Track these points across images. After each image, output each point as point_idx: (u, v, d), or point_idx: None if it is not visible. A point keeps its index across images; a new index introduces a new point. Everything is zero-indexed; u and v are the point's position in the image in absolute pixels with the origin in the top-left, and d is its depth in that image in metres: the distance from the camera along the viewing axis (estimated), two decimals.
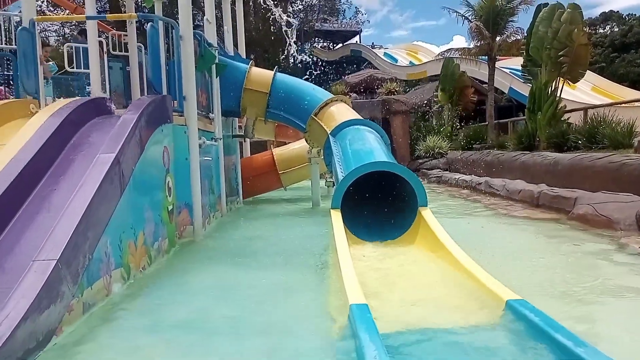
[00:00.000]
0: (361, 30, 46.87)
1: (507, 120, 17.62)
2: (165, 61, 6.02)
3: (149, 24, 5.52)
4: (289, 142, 12.16)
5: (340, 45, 47.12)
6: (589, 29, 42.60)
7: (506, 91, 23.46)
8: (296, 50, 43.15)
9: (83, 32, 8.21)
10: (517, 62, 21.38)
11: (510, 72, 22.64)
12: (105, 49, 7.97)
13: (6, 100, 5.35)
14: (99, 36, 7.67)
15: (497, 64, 18.95)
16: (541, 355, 2.65)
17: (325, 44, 48.51)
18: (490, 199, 9.77)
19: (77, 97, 5.57)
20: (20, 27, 5.60)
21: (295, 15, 40.04)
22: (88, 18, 6.29)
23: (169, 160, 5.56)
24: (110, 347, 3.05)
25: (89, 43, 7.10)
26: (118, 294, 3.86)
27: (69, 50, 8.03)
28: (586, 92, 23.31)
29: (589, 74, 24.86)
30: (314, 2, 39.90)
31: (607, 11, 46.39)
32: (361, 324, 2.81)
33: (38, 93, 5.71)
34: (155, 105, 5.15)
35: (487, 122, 16.44)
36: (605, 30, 45.42)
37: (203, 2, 8.36)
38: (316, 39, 45.95)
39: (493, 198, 9.76)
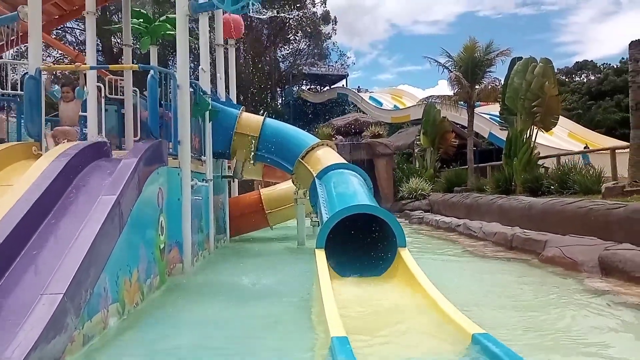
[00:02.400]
0: (348, 75, 48.42)
1: (486, 164, 18.29)
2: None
3: (150, 74, 5.95)
4: (276, 183, 12.55)
5: (327, 88, 48.45)
6: (565, 77, 44.59)
7: (486, 136, 24.39)
8: (284, 91, 44.31)
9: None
10: (496, 109, 22.39)
11: (490, 117, 23.62)
12: (103, 94, 8.38)
13: (11, 143, 5.66)
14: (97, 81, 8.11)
15: (477, 110, 19.85)
16: None
17: (312, 86, 49.81)
18: (468, 240, 10.18)
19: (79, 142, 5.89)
20: (27, 75, 5.99)
21: (284, 59, 41.35)
22: (92, 68, 6.73)
23: (162, 201, 5.89)
24: None
25: (89, 89, 7.54)
26: (114, 328, 4.10)
27: None
28: (563, 138, 24.35)
29: (565, 121, 26.07)
30: (302, 46, 41.31)
31: (581, 60, 48.60)
32: (341, 355, 3.11)
33: (40, 136, 6.05)
34: (152, 149, 5.52)
35: (467, 166, 17.09)
36: (581, 78, 47.50)
37: (197, 51, 8.87)
38: (304, 81, 47.19)
39: (471, 239, 10.18)
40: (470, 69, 16.11)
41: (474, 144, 18.32)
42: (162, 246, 5.77)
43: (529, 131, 12.12)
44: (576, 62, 46.18)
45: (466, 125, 18.18)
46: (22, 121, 6.39)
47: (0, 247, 3.67)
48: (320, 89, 48.91)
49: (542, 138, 14.75)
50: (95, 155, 5.51)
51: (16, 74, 8.69)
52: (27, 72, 6.21)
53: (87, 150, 5.34)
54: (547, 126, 12.23)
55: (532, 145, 12.04)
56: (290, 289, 5.69)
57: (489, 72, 16.44)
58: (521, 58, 12.93)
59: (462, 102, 17.57)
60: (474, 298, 5.11)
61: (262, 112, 31.07)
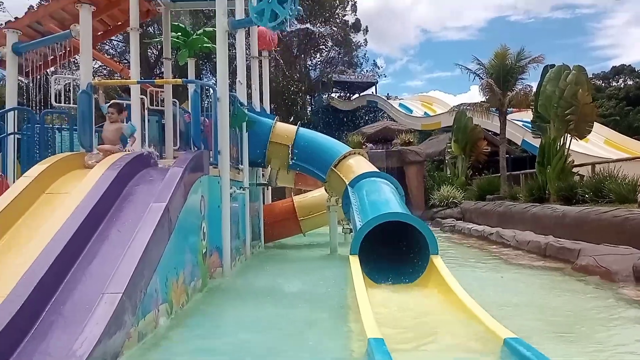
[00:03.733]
0: (377, 82, 48.47)
1: (519, 172, 18.09)
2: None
3: (193, 89, 6.31)
4: (308, 190, 12.81)
5: (356, 95, 48.63)
6: (601, 82, 43.48)
7: (519, 143, 24.06)
8: (314, 99, 44.64)
9: (127, 91, 9.12)
10: (529, 115, 22.10)
11: (522, 124, 23.31)
12: (145, 105, 8.84)
13: (65, 154, 6.07)
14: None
15: (510, 117, 19.64)
16: None
17: (342, 94, 50.05)
18: (500, 248, 10.17)
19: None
20: (80, 91, 6.43)
21: (314, 67, 41.76)
22: (139, 82, 7.15)
23: (205, 208, 6.21)
24: None
25: (132, 101, 7.99)
26: (163, 327, 4.40)
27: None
28: (599, 145, 23.80)
29: (601, 128, 25.49)
30: (332, 55, 41.64)
31: (618, 65, 47.35)
32: (378, 356, 3.29)
33: (92, 147, 6.47)
34: (196, 159, 5.85)
35: (499, 174, 16.96)
36: (618, 83, 46.22)
37: (234, 63, 9.25)
38: (334, 89, 47.48)
39: (504, 248, 10.16)
40: (501, 76, 16.02)
41: (506, 152, 18.15)
42: (204, 251, 6.08)
43: (562, 139, 12.01)
44: (613, 66, 45.05)
45: (498, 133, 18.06)
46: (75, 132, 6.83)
47: (63, 252, 4.03)
48: (350, 97, 49.14)
49: (576, 145, 14.53)
50: (143, 165, 5.88)
51: (58, 84, 9.21)
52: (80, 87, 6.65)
53: (136, 160, 5.71)
54: (581, 134, 12.08)
55: (565, 153, 11.91)
56: (325, 293, 5.90)
57: (521, 79, 16.31)
58: (554, 65, 12.83)
59: (494, 109, 17.47)
60: (506, 305, 5.20)
61: (292, 119, 31.53)
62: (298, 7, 6.75)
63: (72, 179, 5.60)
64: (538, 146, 13.20)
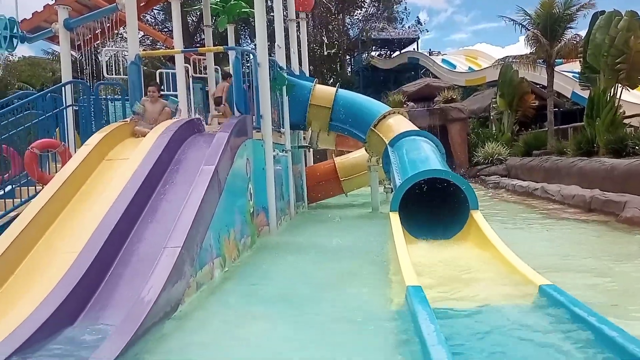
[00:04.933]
0: (419, 37, 47.00)
1: (567, 126, 17.47)
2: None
3: (234, 56, 6.52)
4: (349, 151, 12.98)
5: (397, 53, 47.45)
6: None
7: (569, 95, 23.04)
8: (353, 59, 43.91)
9: (172, 59, 9.46)
10: (579, 66, 21.11)
11: (573, 76, 22.25)
12: (190, 74, 9.16)
13: (119, 123, 6.46)
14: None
15: (559, 68, 18.79)
16: (571, 332, 3.14)
17: (382, 52, 48.95)
18: (545, 203, 10.08)
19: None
20: (129, 62, 6.78)
21: (353, 26, 40.94)
22: (183, 51, 7.43)
23: (250, 170, 6.53)
24: (217, 314, 3.98)
25: (177, 70, 8.31)
26: (218, 278, 4.81)
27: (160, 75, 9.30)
28: None
29: None
30: (371, 11, 40.59)
31: None
32: (417, 302, 3.51)
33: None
34: (240, 124, 6.14)
35: (547, 129, 16.46)
36: None
37: (272, 26, 9.34)
38: (373, 47, 46.47)
39: (548, 203, 10.06)
40: (549, 25, 15.28)
41: (555, 105, 17.51)
42: (251, 210, 6.45)
43: (612, 89, 11.51)
44: None
45: (546, 85, 17.39)
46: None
47: (126, 211, 4.45)
48: (391, 54, 48.01)
49: (630, 95, 13.86)
50: (191, 131, 6.24)
51: (107, 56, 9.60)
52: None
53: (185, 126, 6.05)
54: (634, 83, 11.54)
55: (616, 105, 11.44)
56: (367, 248, 6.17)
57: (570, 27, 15.52)
58: (604, 12, 12.15)
59: (541, 61, 16.76)
60: (547, 257, 5.30)
61: (331, 81, 31.31)
62: None
63: (128, 145, 6.02)
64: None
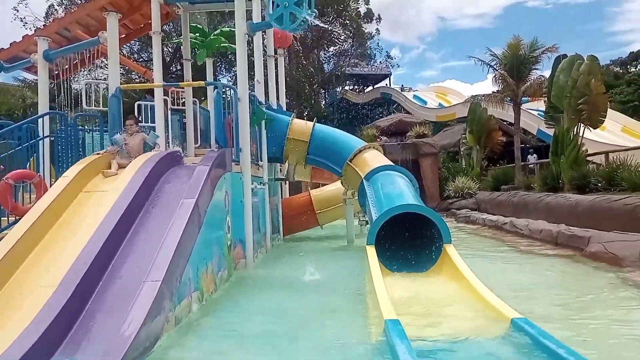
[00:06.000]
0: (391, 73, 48.44)
1: (532, 162, 18.16)
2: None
3: (215, 90, 6.66)
4: (324, 184, 13.15)
5: (370, 88, 48.68)
6: (619, 69, 42.81)
7: (534, 132, 24.03)
8: (327, 93, 44.75)
9: (150, 91, 9.54)
10: (544, 105, 22.13)
11: (538, 114, 23.28)
12: (169, 106, 9.24)
13: (97, 155, 6.42)
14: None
15: (525, 106, 19.63)
16: None
17: (356, 86, 50.12)
18: (514, 238, 10.40)
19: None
20: (110, 95, 6.83)
21: (328, 60, 41.90)
22: (165, 85, 7.53)
23: (228, 203, 6.58)
24: (195, 349, 3.96)
25: (156, 102, 8.37)
26: (196, 312, 4.79)
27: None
28: (615, 132, 23.63)
29: (618, 115, 25.27)
30: (346, 47, 41.74)
31: (636, 50, 46.41)
32: (395, 335, 3.61)
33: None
34: (220, 157, 6.22)
35: (514, 164, 17.08)
36: (637, 69, 45.37)
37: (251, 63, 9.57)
38: (347, 82, 47.55)
39: (517, 237, 10.39)
40: (515, 66, 16.11)
41: (522, 141, 18.23)
42: (229, 243, 6.46)
43: (575, 128, 12.12)
44: (631, 52, 44.09)
45: (513, 123, 18.14)
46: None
47: (105, 244, 4.44)
48: (364, 89, 49.21)
49: (592, 134, 14.57)
50: (171, 163, 6.28)
51: (85, 87, 9.62)
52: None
53: (165, 158, 6.10)
54: (594, 124, 12.18)
55: (579, 143, 12.03)
56: (343, 282, 6.24)
57: (535, 69, 16.39)
58: (566, 55, 12.92)
59: (508, 99, 17.54)
60: (516, 290, 5.48)
61: (306, 114, 31.77)
62: (314, 7, 6.99)
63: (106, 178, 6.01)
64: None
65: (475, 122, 20.31)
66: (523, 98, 17.12)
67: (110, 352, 3.30)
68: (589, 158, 12.62)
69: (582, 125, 12.18)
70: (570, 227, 8.82)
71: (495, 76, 16.51)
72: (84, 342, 3.67)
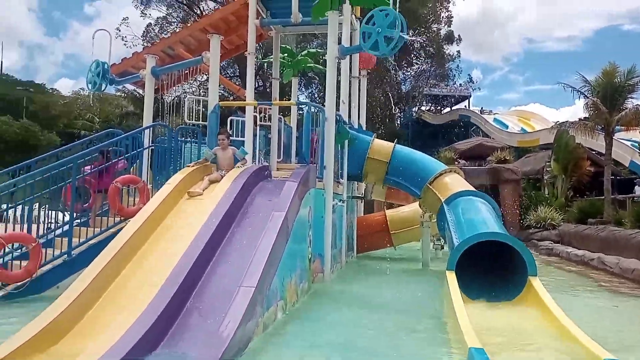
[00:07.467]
0: (470, 95, 47.26)
1: (625, 196, 16.97)
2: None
3: (305, 110, 7.00)
4: (400, 204, 13.13)
5: (448, 109, 47.77)
6: None
7: (626, 164, 22.44)
8: (403, 113, 44.50)
9: (242, 108, 10.13)
10: (639, 135, 20.63)
11: (631, 144, 21.79)
12: (257, 122, 9.76)
13: (190, 165, 6.90)
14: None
15: (617, 136, 18.44)
16: None
17: (432, 107, 49.39)
18: (602, 275, 9.80)
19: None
20: (210, 111, 7.38)
21: (405, 80, 41.79)
22: (260, 104, 8.00)
23: (311, 218, 6.84)
24: (282, 356, 4.18)
25: (247, 119, 8.89)
26: (280, 321, 5.03)
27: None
28: None
29: None
30: (424, 67, 41.39)
31: None
32: None
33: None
34: (307, 174, 6.52)
35: (603, 197, 16.05)
36: None
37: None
38: (424, 102, 46.96)
39: (606, 274, 9.78)
40: (608, 94, 15.24)
41: (612, 173, 17.10)
42: (310, 257, 6.71)
43: None
44: None
45: (603, 152, 17.09)
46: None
47: (204, 248, 4.80)
48: (441, 110, 48.39)
49: None
50: (261, 177, 6.66)
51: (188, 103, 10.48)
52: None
53: (256, 172, 6.49)
54: None
55: None
56: (420, 303, 6.27)
57: (631, 97, 15.40)
58: None
59: (599, 127, 16.58)
60: (607, 331, 5.21)
61: (381, 132, 31.81)
62: (406, 28, 7.02)
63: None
64: None
65: (562, 149, 19.35)
66: (616, 127, 16.10)
67: (209, 349, 3.58)
68: None
69: None
70: None
71: (587, 103, 15.68)
72: (184, 339, 3.97)
